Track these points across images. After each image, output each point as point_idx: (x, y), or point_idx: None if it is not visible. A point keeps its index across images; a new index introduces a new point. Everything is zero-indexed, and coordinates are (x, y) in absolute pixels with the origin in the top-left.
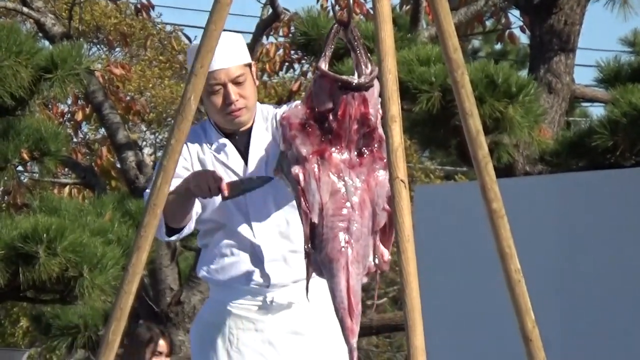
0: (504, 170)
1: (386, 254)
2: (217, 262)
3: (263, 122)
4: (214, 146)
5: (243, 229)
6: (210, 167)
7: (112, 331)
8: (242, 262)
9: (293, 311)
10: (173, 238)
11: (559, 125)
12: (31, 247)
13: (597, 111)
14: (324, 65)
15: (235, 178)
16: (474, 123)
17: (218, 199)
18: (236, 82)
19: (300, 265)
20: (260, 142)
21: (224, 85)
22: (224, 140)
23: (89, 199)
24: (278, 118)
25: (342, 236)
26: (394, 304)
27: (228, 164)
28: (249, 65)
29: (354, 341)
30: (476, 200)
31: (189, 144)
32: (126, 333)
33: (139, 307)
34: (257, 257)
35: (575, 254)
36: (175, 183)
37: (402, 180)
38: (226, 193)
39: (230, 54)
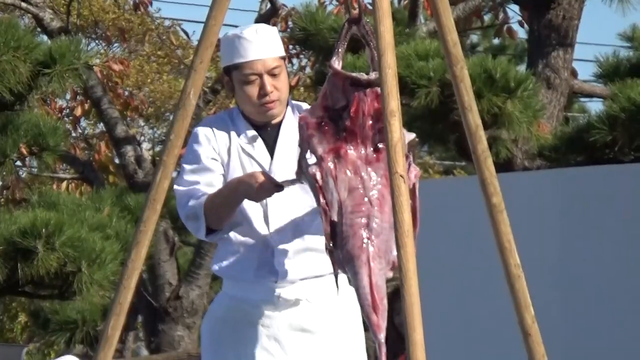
0: (503, 166)
1: None
2: (229, 258)
3: (293, 117)
4: (242, 137)
5: (259, 224)
6: (235, 158)
7: (111, 326)
8: (252, 257)
9: (300, 308)
10: (211, 237)
11: (558, 121)
12: (30, 242)
13: (595, 106)
14: (336, 63)
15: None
16: (473, 118)
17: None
18: (272, 74)
19: (310, 263)
20: (289, 136)
21: (260, 76)
22: (252, 132)
23: (88, 194)
24: None
25: (362, 233)
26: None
27: (254, 156)
28: (284, 59)
29: (382, 336)
30: (476, 195)
31: (215, 131)
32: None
33: (138, 303)
34: (268, 252)
35: (574, 248)
36: (205, 178)
37: (401, 175)
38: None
39: (268, 45)
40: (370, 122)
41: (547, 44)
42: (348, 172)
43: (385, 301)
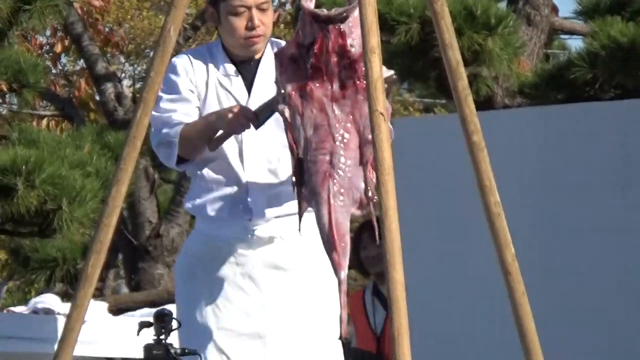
0: (483, 103)
1: None
2: (203, 196)
3: (272, 54)
4: (220, 71)
5: (233, 161)
6: (213, 92)
7: (91, 264)
8: (227, 194)
9: (275, 246)
10: (181, 166)
11: (538, 58)
12: (10, 180)
13: (575, 44)
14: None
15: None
16: (454, 54)
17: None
18: (260, 8)
19: (284, 202)
20: (268, 73)
21: (249, 9)
22: (231, 66)
23: (68, 131)
24: None
25: (325, 169)
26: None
27: (231, 91)
28: None
29: (342, 273)
30: (456, 132)
31: (193, 63)
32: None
33: (118, 241)
34: (242, 190)
35: (554, 185)
36: (182, 107)
37: (381, 113)
38: (257, 123)
39: None
40: (335, 59)
41: None
42: (314, 109)
43: (347, 238)
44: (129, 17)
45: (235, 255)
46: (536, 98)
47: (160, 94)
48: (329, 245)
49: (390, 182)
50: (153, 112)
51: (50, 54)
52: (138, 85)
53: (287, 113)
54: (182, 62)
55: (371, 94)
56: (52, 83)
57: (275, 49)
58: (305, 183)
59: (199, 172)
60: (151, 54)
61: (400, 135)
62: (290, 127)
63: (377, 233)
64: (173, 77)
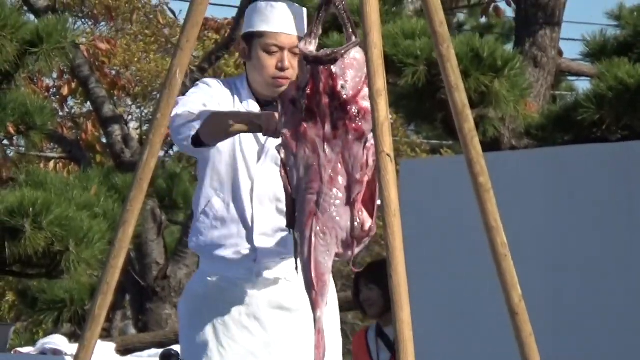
0: (490, 145)
1: (367, 223)
2: (207, 234)
3: None
4: (243, 105)
5: (245, 197)
6: None
7: (98, 305)
8: (232, 234)
9: (280, 287)
10: (192, 148)
11: (545, 99)
12: (17, 221)
13: (583, 85)
14: (303, 42)
15: (251, 141)
16: (460, 96)
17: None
18: (293, 52)
19: (289, 242)
20: None
21: (282, 50)
22: (254, 103)
23: (75, 173)
24: None
25: (310, 209)
26: None
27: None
28: None
29: (318, 312)
30: (462, 174)
31: (221, 87)
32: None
33: (125, 282)
34: (248, 230)
35: (561, 227)
36: (209, 103)
37: (388, 154)
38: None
39: (297, 23)
40: (327, 100)
41: (534, 23)
42: (307, 149)
43: (325, 277)
44: (135, 59)
45: (240, 295)
46: (543, 139)
47: (189, 92)
48: (307, 283)
49: (396, 223)
50: (178, 99)
51: (57, 97)
52: (145, 128)
53: (282, 154)
54: (213, 82)
55: (378, 135)
56: (59, 125)
57: None
58: (296, 223)
59: (203, 208)
60: (158, 96)
61: (407, 176)
62: (284, 167)
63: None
64: (204, 86)
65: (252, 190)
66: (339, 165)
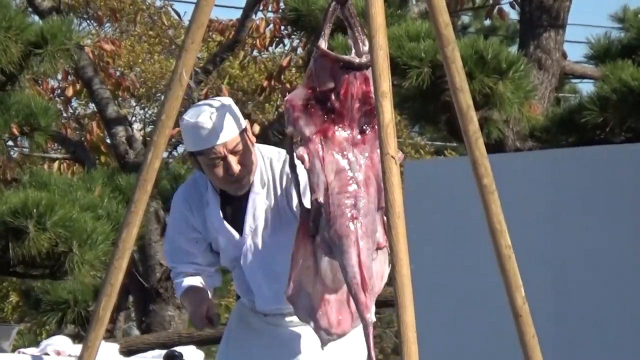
0: (494, 146)
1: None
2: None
3: (260, 186)
4: (208, 209)
5: (238, 266)
6: (209, 226)
7: (102, 307)
8: (242, 289)
9: (294, 342)
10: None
11: (549, 102)
12: (21, 222)
13: (586, 88)
14: (323, 44)
15: (229, 243)
16: (465, 98)
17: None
18: (234, 152)
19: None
20: (257, 208)
21: (224, 158)
22: (217, 206)
23: (79, 174)
24: (283, 169)
25: (350, 212)
26: None
27: (226, 227)
28: (244, 130)
29: (369, 316)
30: (467, 175)
31: (189, 201)
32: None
33: (129, 283)
34: (251, 294)
35: (565, 229)
36: (185, 245)
37: (392, 157)
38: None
39: (225, 128)
40: (358, 104)
41: (539, 25)
42: (335, 153)
43: (373, 281)
44: (140, 61)
45: (261, 333)
46: (547, 141)
47: (169, 230)
48: (359, 287)
49: (400, 224)
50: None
51: (62, 98)
52: (149, 129)
53: (306, 157)
54: (180, 206)
55: (382, 137)
56: (63, 126)
57: (268, 161)
58: (326, 227)
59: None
60: (162, 97)
61: (411, 178)
62: (309, 172)
63: None
64: (176, 219)
65: (244, 259)
66: (369, 169)
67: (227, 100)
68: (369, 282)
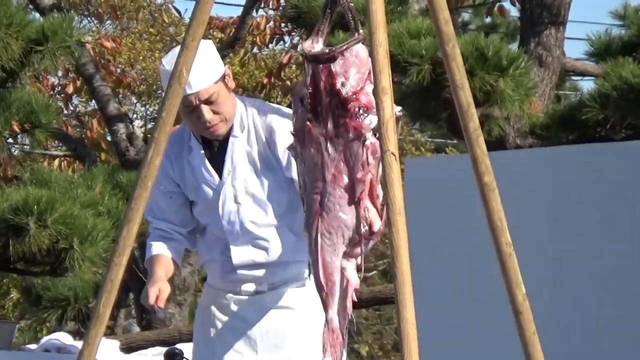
0: (495, 144)
1: (376, 224)
2: (202, 257)
3: (239, 130)
4: (191, 155)
5: (220, 233)
6: (188, 174)
7: (102, 303)
8: (217, 265)
9: (268, 315)
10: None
11: (550, 99)
12: (21, 219)
13: (587, 85)
14: (309, 42)
15: (208, 187)
16: (465, 95)
17: (204, 203)
18: (208, 102)
19: (269, 275)
20: (238, 147)
21: (196, 107)
22: (199, 150)
23: (80, 172)
24: (265, 120)
25: (315, 209)
26: (384, 277)
27: (204, 174)
28: (222, 77)
29: (330, 312)
30: (467, 173)
31: (169, 152)
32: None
33: (129, 280)
34: (230, 266)
35: (565, 227)
36: (160, 200)
37: (392, 153)
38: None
39: (201, 76)
40: (328, 98)
41: (539, 22)
42: (312, 149)
43: (334, 277)
44: (140, 58)
45: (233, 315)
46: (547, 139)
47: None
48: (317, 284)
49: (401, 221)
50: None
51: (62, 95)
52: (149, 126)
53: (292, 154)
54: (164, 158)
55: (383, 134)
56: (64, 123)
57: (251, 110)
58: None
59: (200, 235)
60: (163, 94)
61: (411, 175)
62: (297, 167)
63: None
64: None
65: (226, 240)
66: (342, 164)
67: (207, 45)
68: (326, 279)
